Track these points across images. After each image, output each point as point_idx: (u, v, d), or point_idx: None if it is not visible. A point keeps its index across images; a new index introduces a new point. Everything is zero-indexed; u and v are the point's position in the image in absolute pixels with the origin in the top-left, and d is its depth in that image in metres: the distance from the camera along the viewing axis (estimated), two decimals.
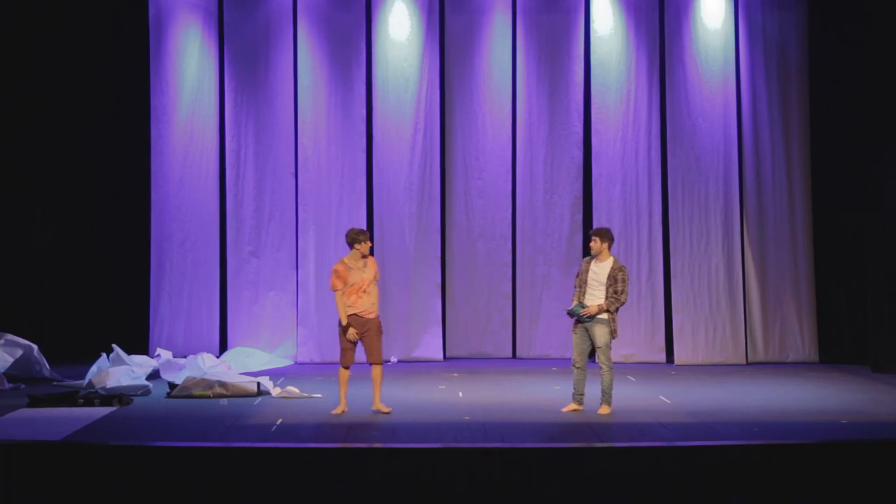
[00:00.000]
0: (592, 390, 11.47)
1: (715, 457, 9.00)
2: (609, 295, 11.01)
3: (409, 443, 9.59)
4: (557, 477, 8.75)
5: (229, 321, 15.74)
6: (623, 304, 11.11)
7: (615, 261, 11.15)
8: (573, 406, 11.28)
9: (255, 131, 15.77)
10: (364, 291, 11.23)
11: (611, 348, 11.16)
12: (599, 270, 11.12)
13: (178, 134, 15.72)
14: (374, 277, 11.32)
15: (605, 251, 11.14)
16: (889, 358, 14.19)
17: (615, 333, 11.15)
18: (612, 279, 11.02)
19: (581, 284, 11.20)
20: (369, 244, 11.31)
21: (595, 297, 11.09)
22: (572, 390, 11.30)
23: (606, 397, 11.18)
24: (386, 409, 11.31)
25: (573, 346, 11.27)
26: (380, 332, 11.34)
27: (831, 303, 15.62)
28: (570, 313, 11.20)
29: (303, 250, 15.68)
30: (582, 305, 11.10)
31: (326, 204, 15.72)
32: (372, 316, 11.28)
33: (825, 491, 8.68)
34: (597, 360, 11.17)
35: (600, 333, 11.06)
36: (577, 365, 11.21)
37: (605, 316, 11.05)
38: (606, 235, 11.17)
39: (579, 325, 11.16)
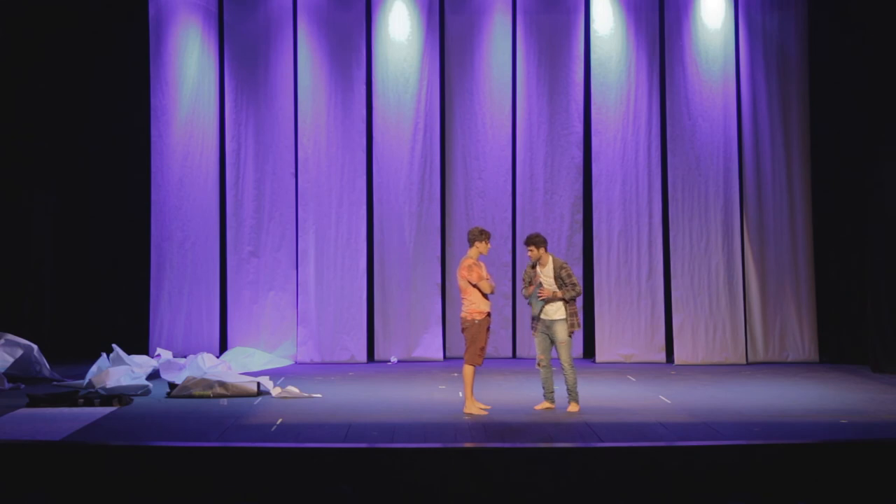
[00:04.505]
0: (583, 388, 11.47)
1: (715, 457, 9.01)
2: (566, 287, 11.22)
3: (409, 443, 9.59)
4: (557, 477, 8.75)
5: (229, 321, 15.74)
6: (579, 293, 11.30)
7: (555, 259, 11.37)
8: (545, 404, 11.46)
9: (255, 131, 15.78)
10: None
11: (571, 346, 11.31)
12: (546, 274, 11.31)
13: (178, 134, 15.73)
14: (461, 279, 11.20)
15: (545, 254, 11.37)
16: (889, 358, 14.19)
17: (575, 326, 11.32)
18: (559, 279, 11.24)
19: (530, 286, 11.42)
20: (479, 245, 11.20)
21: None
22: (542, 389, 11.48)
23: (573, 395, 11.34)
24: (478, 411, 11.19)
25: (536, 347, 11.45)
26: (469, 332, 11.16)
27: (831, 303, 15.61)
28: (528, 299, 11.43)
29: (303, 250, 15.68)
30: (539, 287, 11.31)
31: (326, 204, 15.73)
32: (463, 315, 11.21)
33: (825, 491, 8.68)
34: (558, 359, 11.29)
35: (560, 330, 11.26)
36: (542, 364, 11.40)
37: (562, 314, 11.23)
38: (540, 241, 11.36)
39: (540, 323, 11.31)
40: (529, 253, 11.34)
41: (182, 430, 10.49)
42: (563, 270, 11.30)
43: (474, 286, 11.11)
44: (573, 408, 11.26)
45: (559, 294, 11.22)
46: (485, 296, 11.16)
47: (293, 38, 15.81)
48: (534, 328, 11.44)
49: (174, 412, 11.50)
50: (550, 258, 11.39)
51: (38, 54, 15.44)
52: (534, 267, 11.39)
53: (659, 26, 15.79)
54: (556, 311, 11.28)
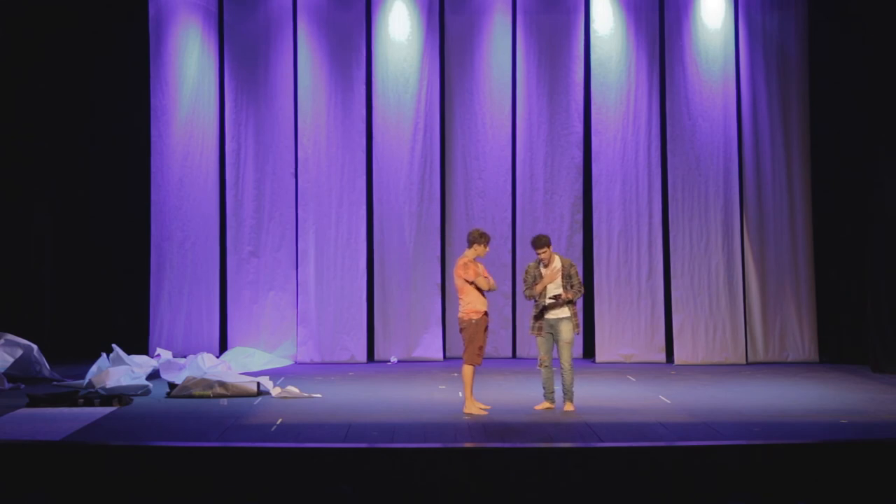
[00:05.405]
0: (583, 388, 11.44)
1: (715, 457, 9.01)
2: (574, 287, 11.31)
3: (409, 443, 9.59)
4: (558, 477, 8.75)
5: (229, 321, 15.74)
6: (582, 293, 11.47)
7: (562, 258, 11.44)
8: (545, 404, 11.48)
9: (255, 131, 15.78)
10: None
11: (573, 345, 11.37)
12: (552, 273, 11.32)
13: (178, 134, 15.73)
14: (457, 278, 11.22)
15: (553, 254, 11.43)
16: (889, 358, 14.19)
17: (578, 328, 11.41)
18: (567, 276, 11.31)
19: (533, 286, 11.40)
20: (477, 247, 11.19)
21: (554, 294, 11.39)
22: (542, 389, 11.50)
23: (569, 395, 11.37)
24: (478, 411, 11.20)
25: (538, 347, 11.47)
26: (467, 332, 11.15)
27: (831, 303, 15.61)
28: (553, 297, 11.34)
29: (303, 250, 15.68)
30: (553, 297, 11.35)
31: (326, 204, 15.73)
32: (460, 315, 11.21)
33: (825, 491, 8.67)
34: (559, 359, 11.33)
35: (566, 329, 11.31)
36: (545, 364, 11.42)
37: (567, 313, 11.27)
38: (549, 241, 11.39)
39: (544, 323, 11.31)
40: (542, 254, 11.32)
41: (182, 430, 10.49)
42: (573, 269, 11.37)
43: (471, 283, 11.10)
44: (569, 407, 11.29)
45: (568, 296, 11.26)
46: (482, 294, 11.16)
47: (293, 38, 15.81)
48: (537, 329, 11.41)
49: (174, 412, 11.49)
50: (557, 257, 11.42)
51: (38, 54, 15.43)
52: (537, 266, 11.40)
53: (659, 26, 15.79)
54: (561, 309, 11.31)
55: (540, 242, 11.34)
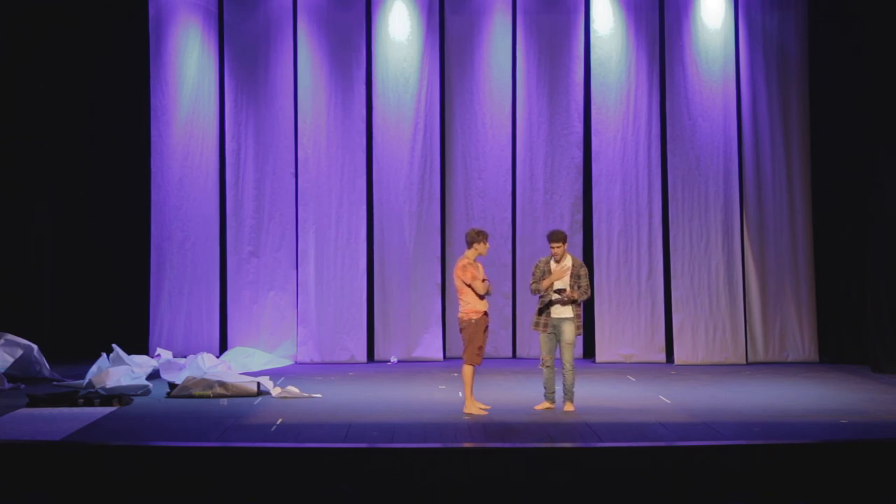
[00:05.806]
0: (583, 388, 11.42)
1: (715, 457, 9.01)
2: (581, 288, 11.31)
3: (409, 443, 9.59)
4: (557, 477, 8.75)
5: (229, 321, 15.74)
6: (589, 296, 11.46)
7: (573, 258, 11.45)
8: (546, 404, 11.48)
9: (255, 131, 15.78)
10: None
11: (574, 346, 11.37)
12: (562, 270, 11.34)
13: (178, 134, 15.73)
14: (456, 279, 11.21)
15: (566, 254, 11.47)
16: (889, 358, 14.19)
17: (580, 329, 11.41)
18: (576, 276, 11.31)
19: (541, 280, 11.42)
20: (478, 246, 11.18)
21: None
22: (543, 389, 11.49)
23: (570, 395, 11.38)
24: (478, 411, 11.20)
25: (541, 346, 11.47)
26: (466, 332, 11.14)
27: (831, 303, 15.61)
28: (557, 291, 11.30)
29: (303, 250, 15.69)
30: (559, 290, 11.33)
31: (326, 204, 15.73)
32: (460, 315, 11.20)
33: (825, 491, 8.68)
34: (561, 359, 11.34)
35: (568, 330, 11.31)
36: (547, 364, 11.42)
37: (570, 314, 11.28)
38: (566, 238, 11.42)
39: (549, 319, 11.30)
40: (556, 248, 11.32)
41: (182, 430, 10.49)
42: (583, 270, 11.37)
43: (468, 286, 11.10)
44: (569, 407, 11.30)
45: (574, 295, 11.26)
46: (480, 296, 11.15)
47: (293, 38, 15.81)
48: (542, 325, 11.39)
49: (174, 412, 11.50)
50: (569, 257, 11.44)
51: (38, 54, 15.43)
52: (548, 262, 11.39)
53: (659, 26, 15.80)
54: (564, 309, 11.30)
55: (556, 237, 11.37)
